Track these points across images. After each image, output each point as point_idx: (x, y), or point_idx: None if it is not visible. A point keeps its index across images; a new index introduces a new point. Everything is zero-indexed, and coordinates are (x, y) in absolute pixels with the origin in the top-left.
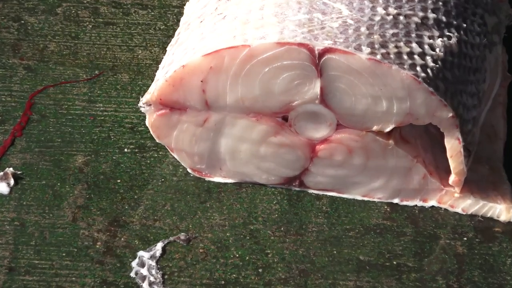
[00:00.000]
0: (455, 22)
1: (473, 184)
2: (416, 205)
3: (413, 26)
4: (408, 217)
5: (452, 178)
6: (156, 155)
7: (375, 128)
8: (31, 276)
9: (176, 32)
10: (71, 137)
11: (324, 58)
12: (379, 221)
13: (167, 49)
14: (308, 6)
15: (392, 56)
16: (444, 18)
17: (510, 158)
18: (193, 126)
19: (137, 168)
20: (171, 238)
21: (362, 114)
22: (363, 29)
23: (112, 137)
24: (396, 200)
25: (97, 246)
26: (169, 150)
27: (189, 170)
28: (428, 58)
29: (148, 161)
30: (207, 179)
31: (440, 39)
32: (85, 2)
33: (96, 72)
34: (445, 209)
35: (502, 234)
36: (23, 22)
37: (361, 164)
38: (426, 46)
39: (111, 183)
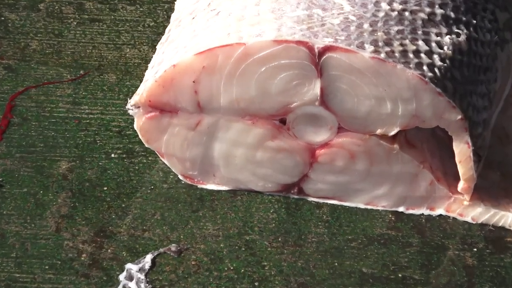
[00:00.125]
0: (464, 18)
1: (483, 191)
2: (422, 213)
3: (420, 22)
4: (414, 227)
5: (461, 185)
6: (145, 161)
7: (378, 131)
8: None
9: (167, 29)
10: (54, 142)
11: (324, 57)
12: (383, 231)
13: (156, 47)
14: (308, 1)
15: (397, 54)
16: (452, 14)
17: None
18: (185, 129)
19: (125, 174)
20: (161, 250)
21: (365, 116)
22: (366, 25)
23: (98, 141)
24: (401, 209)
25: (82, 258)
26: (159, 156)
27: (180, 177)
28: (436, 56)
29: (137, 167)
30: (199, 186)
31: (448, 36)
32: None
33: (81, 72)
34: (453, 218)
35: None
36: (3, 19)
37: (364, 170)
38: (434, 44)
39: (97, 190)
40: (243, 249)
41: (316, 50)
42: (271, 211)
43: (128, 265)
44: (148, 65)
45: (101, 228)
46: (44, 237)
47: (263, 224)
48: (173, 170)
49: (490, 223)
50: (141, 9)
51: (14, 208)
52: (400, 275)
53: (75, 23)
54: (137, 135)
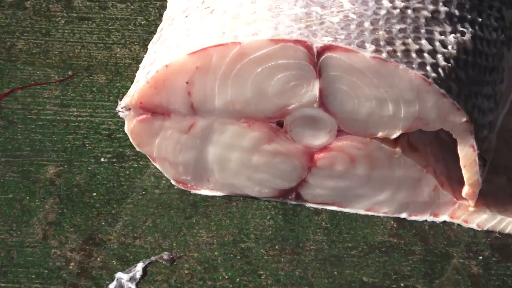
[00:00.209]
0: (469, 16)
1: (489, 197)
2: (426, 220)
3: (423, 20)
4: (417, 234)
5: (465, 190)
6: (136, 165)
7: (380, 134)
8: None
9: (159, 28)
10: (41, 146)
11: (323, 56)
12: (384, 238)
13: (148, 47)
14: None
15: (399, 54)
16: (457, 12)
17: None
18: (178, 132)
19: (115, 179)
20: (153, 258)
21: (365, 118)
22: (366, 24)
23: (87, 145)
24: (403, 215)
25: (71, 267)
26: (151, 160)
27: (173, 182)
28: (439, 56)
29: (127, 172)
30: (193, 191)
31: (452, 35)
32: None
33: (70, 72)
34: (458, 224)
35: None
36: None
37: (365, 174)
38: (437, 43)
39: (86, 196)
40: (239, 257)
41: (315, 50)
42: (268, 218)
43: (118, 274)
44: (139, 65)
45: (90, 236)
46: (30, 245)
47: (259, 231)
48: (166, 175)
49: (496, 229)
50: (132, 7)
51: None
52: (402, 284)
53: (63, 22)
54: (128, 139)
